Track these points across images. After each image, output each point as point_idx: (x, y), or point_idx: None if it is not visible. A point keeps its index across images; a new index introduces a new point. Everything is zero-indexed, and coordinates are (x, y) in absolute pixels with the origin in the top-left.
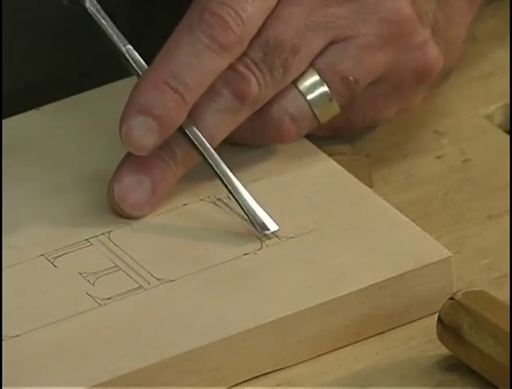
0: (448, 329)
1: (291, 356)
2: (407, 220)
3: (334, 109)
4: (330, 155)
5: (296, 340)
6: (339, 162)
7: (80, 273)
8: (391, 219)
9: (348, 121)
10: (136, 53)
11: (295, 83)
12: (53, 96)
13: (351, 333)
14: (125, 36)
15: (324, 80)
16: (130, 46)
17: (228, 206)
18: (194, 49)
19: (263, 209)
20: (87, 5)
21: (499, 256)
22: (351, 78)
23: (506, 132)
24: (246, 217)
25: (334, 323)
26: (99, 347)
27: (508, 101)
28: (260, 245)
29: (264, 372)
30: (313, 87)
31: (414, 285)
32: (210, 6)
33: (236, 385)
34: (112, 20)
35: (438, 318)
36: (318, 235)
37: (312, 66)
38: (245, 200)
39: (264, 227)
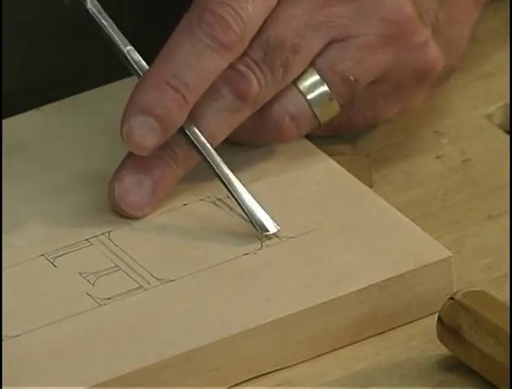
0: (448, 329)
1: (291, 356)
2: (407, 220)
3: (335, 108)
4: (330, 155)
5: (296, 340)
6: (339, 162)
7: (80, 273)
8: (391, 219)
9: (349, 121)
10: (137, 53)
11: (295, 82)
12: (53, 96)
13: (351, 333)
14: (127, 36)
15: (324, 80)
16: (130, 47)
17: (228, 206)
18: (194, 49)
19: (264, 210)
20: (89, 5)
21: (499, 256)
22: (351, 77)
23: (506, 132)
24: (246, 218)
25: (334, 323)
26: (99, 347)
27: (508, 101)
28: (260, 245)
29: (264, 372)
30: (314, 86)
31: (414, 285)
32: (210, 5)
33: (236, 385)
34: (114, 21)
35: (438, 318)
36: (318, 235)
37: (312, 65)
38: (245, 201)
39: (264, 228)
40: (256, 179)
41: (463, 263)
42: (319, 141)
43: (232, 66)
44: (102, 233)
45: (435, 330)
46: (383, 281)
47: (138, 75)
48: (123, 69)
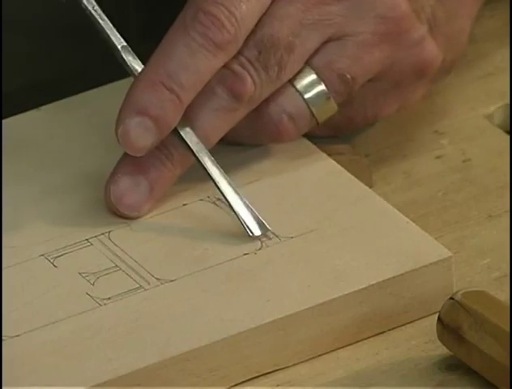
0: (448, 329)
1: (291, 356)
2: (407, 220)
3: (332, 107)
4: (329, 155)
5: (296, 340)
6: (338, 162)
7: (80, 273)
8: (391, 219)
9: (349, 120)
10: (132, 52)
11: (292, 82)
12: (53, 96)
13: (351, 333)
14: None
15: (321, 79)
16: (125, 45)
17: (227, 206)
18: (188, 49)
19: (252, 212)
20: (84, 3)
21: (499, 256)
22: (348, 76)
23: (506, 132)
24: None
25: (334, 323)
26: (99, 347)
27: (508, 101)
28: (260, 245)
29: (264, 372)
30: (311, 85)
31: (414, 285)
32: (204, 5)
33: (236, 385)
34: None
35: (438, 318)
36: (318, 235)
37: (309, 64)
38: (232, 202)
39: (250, 231)
40: (255, 179)
41: (463, 263)
42: (319, 141)
43: (226, 66)
44: (102, 233)
45: (435, 330)
46: (383, 281)
47: (133, 74)
48: (122, 69)
